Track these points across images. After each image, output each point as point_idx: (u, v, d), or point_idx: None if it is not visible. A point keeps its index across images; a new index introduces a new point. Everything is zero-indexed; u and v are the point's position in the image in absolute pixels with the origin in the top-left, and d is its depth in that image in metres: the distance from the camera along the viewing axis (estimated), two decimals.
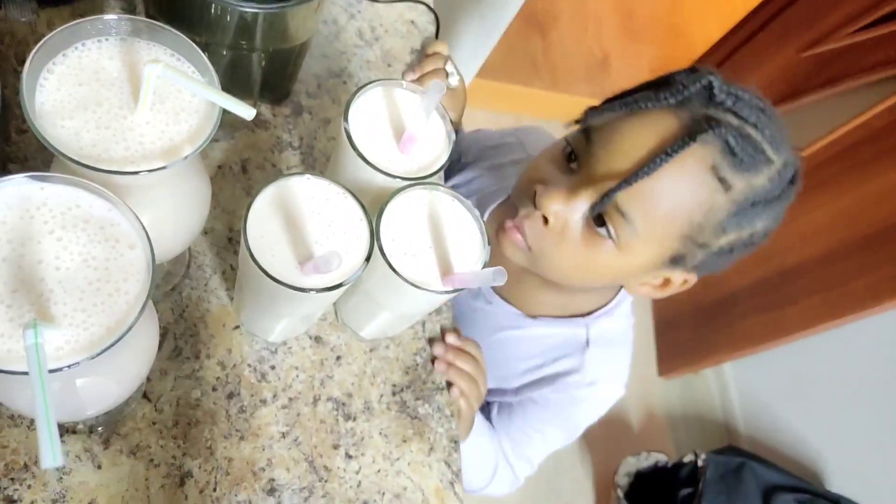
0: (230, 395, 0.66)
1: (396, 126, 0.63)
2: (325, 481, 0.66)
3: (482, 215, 0.63)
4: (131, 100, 0.47)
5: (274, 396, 0.67)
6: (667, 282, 0.74)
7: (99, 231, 0.42)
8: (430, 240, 0.60)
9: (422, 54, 0.97)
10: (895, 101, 1.71)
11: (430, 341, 0.77)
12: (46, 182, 0.41)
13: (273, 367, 0.68)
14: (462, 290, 0.58)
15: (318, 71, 0.87)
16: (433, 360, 0.76)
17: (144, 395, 0.62)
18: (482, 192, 0.95)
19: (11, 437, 0.57)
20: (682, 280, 0.74)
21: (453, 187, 0.65)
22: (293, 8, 0.64)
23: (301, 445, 0.66)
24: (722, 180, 0.63)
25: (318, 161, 0.81)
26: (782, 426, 1.93)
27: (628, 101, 0.68)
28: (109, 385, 0.46)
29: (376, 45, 0.94)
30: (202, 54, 0.48)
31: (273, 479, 0.64)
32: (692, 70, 0.68)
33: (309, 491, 0.65)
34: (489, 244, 0.61)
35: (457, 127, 1.09)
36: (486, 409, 0.98)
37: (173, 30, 0.48)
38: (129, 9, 0.78)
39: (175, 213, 0.53)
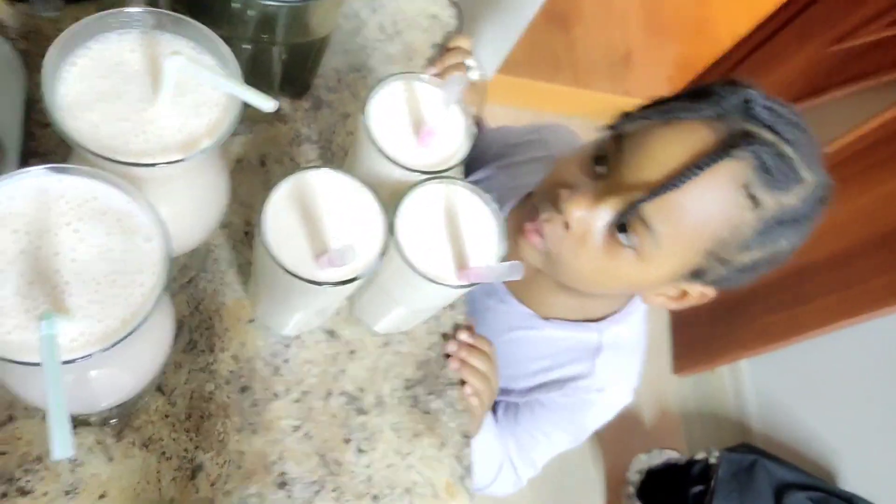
0: (243, 389, 0.66)
1: (416, 119, 0.63)
2: (336, 475, 0.66)
3: (505, 213, 0.63)
4: (151, 92, 0.47)
5: (287, 390, 0.67)
6: (684, 294, 0.73)
7: (116, 223, 0.42)
8: (447, 234, 0.59)
9: (443, 49, 0.96)
10: None
11: (444, 337, 0.77)
12: (64, 174, 0.41)
13: (286, 361, 0.69)
14: (477, 284, 0.58)
15: (338, 65, 0.87)
16: (446, 355, 0.76)
17: (158, 388, 0.63)
18: (502, 188, 0.95)
19: (25, 429, 0.57)
20: (699, 293, 0.73)
21: (473, 183, 0.64)
22: (315, 2, 0.64)
23: (313, 439, 0.67)
24: (752, 198, 0.62)
25: (337, 155, 0.81)
26: (797, 424, 1.91)
27: (664, 109, 0.66)
28: (123, 377, 0.47)
29: (398, 39, 0.94)
30: (224, 47, 0.48)
31: (284, 473, 0.64)
32: (731, 82, 0.66)
33: (320, 485, 0.65)
34: (507, 239, 0.61)
35: (478, 121, 1.08)
36: (492, 408, 0.98)
37: (195, 22, 0.48)
38: (151, 2, 0.78)
39: (193, 206, 0.53)
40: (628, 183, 0.66)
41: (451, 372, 0.76)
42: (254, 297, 0.68)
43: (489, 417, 0.86)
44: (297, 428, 0.66)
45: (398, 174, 0.60)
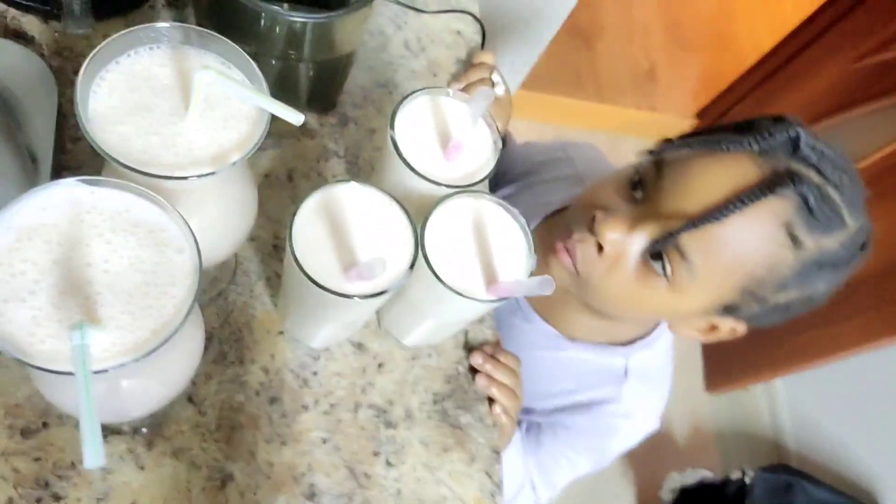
0: (272, 400, 0.66)
1: (442, 134, 0.63)
2: (365, 488, 0.66)
3: (530, 230, 0.62)
4: (181, 106, 0.47)
5: (315, 402, 0.68)
6: (713, 328, 0.72)
7: (148, 235, 0.42)
8: (475, 248, 0.59)
9: (468, 64, 0.97)
10: None
11: (470, 351, 0.77)
12: (97, 186, 0.42)
13: (315, 374, 0.69)
14: (507, 298, 0.58)
15: (364, 82, 0.88)
16: (471, 369, 0.76)
17: (189, 399, 0.63)
18: (527, 205, 0.94)
19: (59, 437, 0.58)
20: (730, 329, 0.72)
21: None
22: (341, 19, 0.64)
23: (341, 452, 0.66)
24: (793, 237, 0.61)
25: (363, 170, 0.82)
26: (835, 444, 1.87)
27: (709, 139, 0.65)
28: (154, 387, 0.47)
29: (422, 55, 0.94)
30: (252, 62, 0.48)
31: (313, 485, 0.64)
32: (778, 118, 0.65)
33: (349, 497, 0.65)
34: (535, 252, 0.61)
35: (504, 136, 1.08)
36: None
37: (223, 38, 0.49)
38: (181, 19, 0.79)
39: (223, 219, 0.53)
40: (666, 210, 0.65)
41: (480, 387, 0.75)
42: (283, 309, 0.68)
43: (516, 435, 0.85)
44: (325, 440, 0.66)
45: (425, 188, 0.60)
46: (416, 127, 0.62)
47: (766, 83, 2.30)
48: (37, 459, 0.57)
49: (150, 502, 0.59)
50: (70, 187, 0.42)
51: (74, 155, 0.69)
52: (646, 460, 1.99)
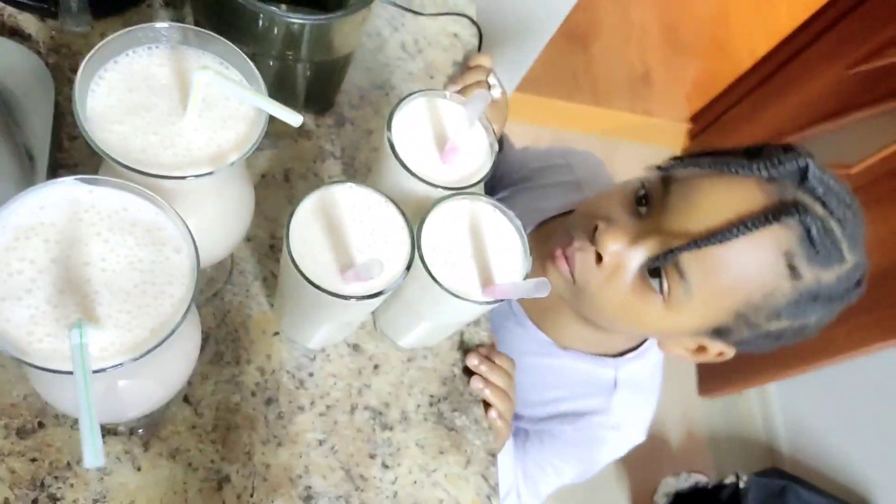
0: (269, 401, 0.66)
1: (439, 136, 0.63)
2: (361, 490, 0.66)
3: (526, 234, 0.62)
4: (180, 106, 0.47)
5: (312, 403, 0.67)
6: (702, 349, 0.73)
7: (145, 234, 0.42)
8: (471, 250, 0.59)
9: (464, 67, 0.97)
10: None
11: (466, 353, 0.77)
12: (95, 185, 0.42)
13: (311, 375, 0.69)
14: (502, 300, 0.58)
15: (361, 83, 0.88)
16: (466, 370, 0.76)
17: (185, 399, 0.63)
18: (522, 209, 0.94)
19: (56, 437, 0.58)
20: (717, 352, 0.72)
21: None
22: (339, 20, 0.64)
23: (338, 453, 0.66)
24: (792, 268, 0.61)
25: (360, 171, 0.82)
26: (828, 449, 1.88)
27: (718, 161, 0.66)
28: (151, 387, 0.47)
29: (419, 57, 0.95)
30: (250, 62, 0.49)
31: (310, 487, 0.64)
32: (788, 147, 0.65)
33: (345, 500, 0.65)
34: (530, 255, 0.61)
35: (500, 139, 1.08)
36: None
37: (221, 38, 0.49)
38: (178, 19, 0.79)
39: (220, 219, 0.53)
40: (669, 228, 0.65)
41: (475, 389, 0.75)
42: (279, 310, 0.68)
43: (510, 444, 0.85)
44: (322, 442, 0.66)
45: (422, 190, 0.60)
46: (413, 129, 0.62)
47: (761, 88, 2.31)
48: (33, 460, 0.57)
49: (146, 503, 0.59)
50: (68, 186, 0.42)
51: (71, 153, 0.68)
52: (640, 464, 1.99)
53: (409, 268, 0.55)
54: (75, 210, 0.41)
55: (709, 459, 2.11)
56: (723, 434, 2.15)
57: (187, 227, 0.42)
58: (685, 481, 1.88)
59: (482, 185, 0.65)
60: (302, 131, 0.81)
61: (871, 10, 1.92)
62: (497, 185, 1.07)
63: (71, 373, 0.35)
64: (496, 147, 0.64)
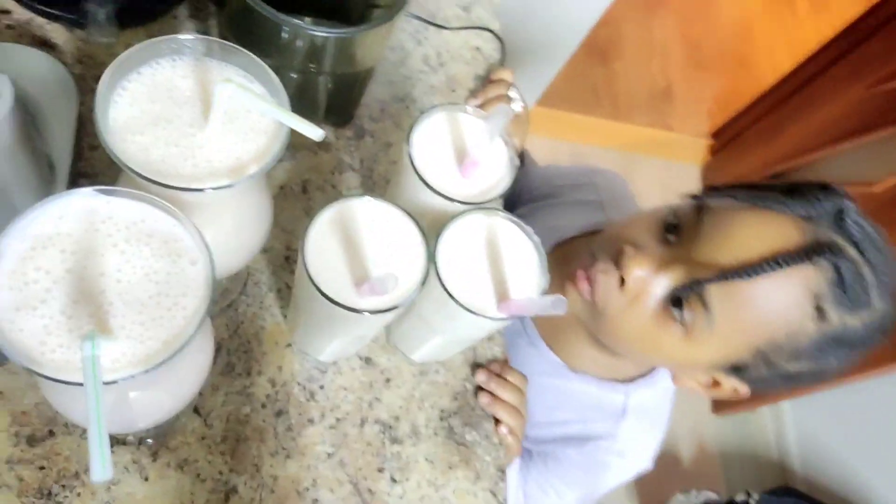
0: (279, 413, 0.66)
1: (459, 150, 0.63)
2: None
3: (546, 250, 0.62)
4: (201, 118, 0.47)
5: (322, 416, 0.67)
6: (716, 384, 0.71)
7: (162, 245, 0.42)
8: (488, 265, 0.59)
9: (486, 80, 0.97)
10: None
11: (476, 367, 0.76)
12: (113, 196, 0.42)
13: (322, 387, 0.68)
14: (517, 317, 0.57)
15: (381, 95, 0.88)
16: (477, 388, 0.75)
17: (195, 410, 0.63)
18: (543, 227, 0.93)
19: (65, 445, 0.58)
20: (732, 388, 0.71)
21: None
22: (363, 34, 0.64)
23: (346, 467, 0.66)
24: (819, 309, 0.60)
25: (378, 184, 0.82)
26: (842, 468, 1.85)
27: (755, 194, 0.65)
28: (162, 399, 0.47)
29: (441, 70, 0.95)
30: (273, 75, 0.49)
31: (317, 500, 0.64)
32: (826, 187, 0.64)
33: None
34: (548, 272, 0.60)
35: (521, 153, 1.08)
36: None
37: (245, 51, 0.49)
38: (203, 30, 0.80)
39: (237, 231, 0.53)
40: (698, 258, 0.64)
41: (483, 405, 0.75)
42: (292, 321, 0.68)
43: (516, 460, 0.85)
44: (331, 455, 0.66)
45: (440, 204, 0.60)
46: (433, 143, 0.62)
47: (783, 105, 2.30)
48: (42, 468, 0.57)
49: None
50: (87, 196, 0.42)
51: (92, 162, 0.69)
52: (650, 480, 1.96)
53: (424, 282, 0.54)
54: (92, 220, 0.42)
55: (719, 476, 2.08)
56: (734, 451, 2.12)
57: (204, 239, 0.42)
58: (695, 498, 1.86)
59: (501, 200, 0.65)
60: (321, 143, 0.81)
61: (894, 30, 1.90)
62: (518, 200, 1.06)
63: (82, 384, 0.35)
64: (516, 162, 0.64)
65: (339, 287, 0.52)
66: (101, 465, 0.32)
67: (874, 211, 0.65)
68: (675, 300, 0.65)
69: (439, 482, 0.69)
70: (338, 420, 0.68)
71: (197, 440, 0.62)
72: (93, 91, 0.44)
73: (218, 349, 0.66)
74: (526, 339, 0.89)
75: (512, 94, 0.92)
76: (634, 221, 0.72)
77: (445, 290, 0.55)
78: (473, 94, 0.94)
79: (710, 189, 0.69)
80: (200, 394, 0.64)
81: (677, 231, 0.68)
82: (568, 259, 0.76)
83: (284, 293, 0.71)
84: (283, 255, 0.73)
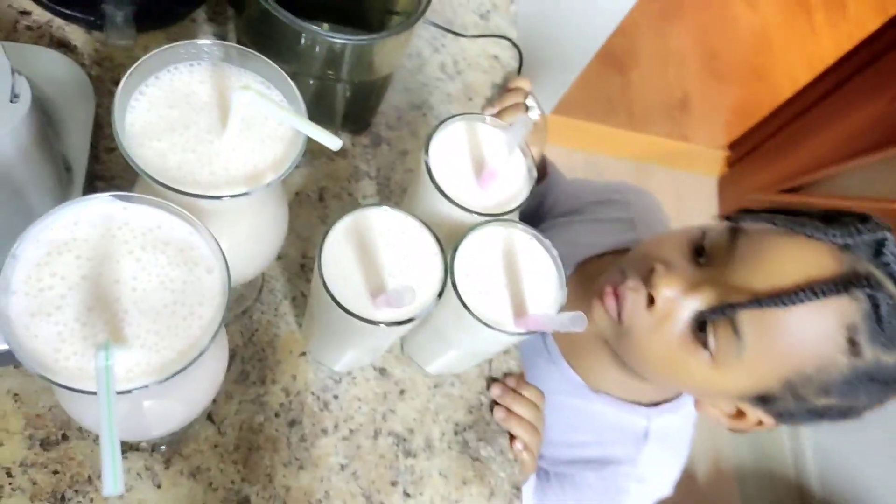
0: (292, 423, 0.65)
1: (477, 161, 0.62)
2: None
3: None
4: (219, 124, 0.47)
5: (335, 427, 0.66)
6: (741, 414, 0.70)
7: (178, 253, 0.41)
8: (505, 278, 0.58)
9: (503, 89, 0.96)
10: None
11: (491, 381, 0.75)
12: (129, 202, 0.42)
13: (336, 397, 0.68)
14: (535, 332, 0.56)
15: (398, 103, 0.87)
16: (493, 403, 0.74)
17: (209, 417, 0.62)
18: (575, 243, 0.92)
19: (78, 450, 0.58)
20: (757, 420, 0.69)
21: (543, 232, 0.61)
22: (382, 41, 0.64)
23: (359, 479, 0.65)
24: (852, 343, 0.58)
25: (395, 192, 0.81)
26: (861, 489, 1.82)
27: (794, 220, 0.63)
28: (176, 408, 0.46)
29: (458, 78, 0.94)
30: (291, 83, 0.48)
31: None
32: (865, 217, 0.63)
33: None
34: (566, 286, 0.59)
35: (543, 163, 1.07)
36: None
37: (263, 57, 0.49)
38: (221, 34, 0.80)
39: (253, 239, 0.53)
40: (730, 281, 0.63)
41: (498, 419, 0.74)
42: (307, 331, 0.67)
43: (532, 476, 0.83)
44: (344, 466, 0.65)
45: (457, 215, 0.59)
46: (451, 153, 0.62)
47: (801, 118, 2.28)
48: (55, 472, 0.56)
49: None
50: (103, 202, 0.41)
51: (108, 165, 0.69)
52: (666, 499, 1.95)
53: (440, 294, 0.54)
54: (108, 227, 0.41)
55: (735, 495, 2.06)
56: (750, 469, 2.09)
57: (220, 247, 0.42)
58: None
59: (518, 212, 0.64)
60: (338, 150, 0.81)
61: None
62: (546, 214, 1.05)
63: (95, 393, 0.35)
64: (534, 173, 0.63)
65: (355, 298, 0.52)
66: (112, 479, 0.31)
67: (893, 229, 0.64)
68: (703, 324, 0.63)
69: (453, 497, 0.68)
70: (351, 431, 0.67)
71: (210, 448, 0.61)
72: (110, 93, 0.43)
73: (232, 356, 0.65)
74: (546, 356, 0.87)
75: (529, 102, 0.91)
76: (666, 240, 0.71)
77: (462, 303, 0.54)
78: (490, 102, 0.94)
79: (745, 211, 0.68)
80: (214, 401, 0.63)
81: (709, 253, 0.66)
82: (595, 277, 0.74)
83: (299, 301, 0.70)
84: (298, 262, 0.72)
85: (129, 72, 0.44)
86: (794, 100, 2.32)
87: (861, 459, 1.85)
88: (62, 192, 0.61)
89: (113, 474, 0.31)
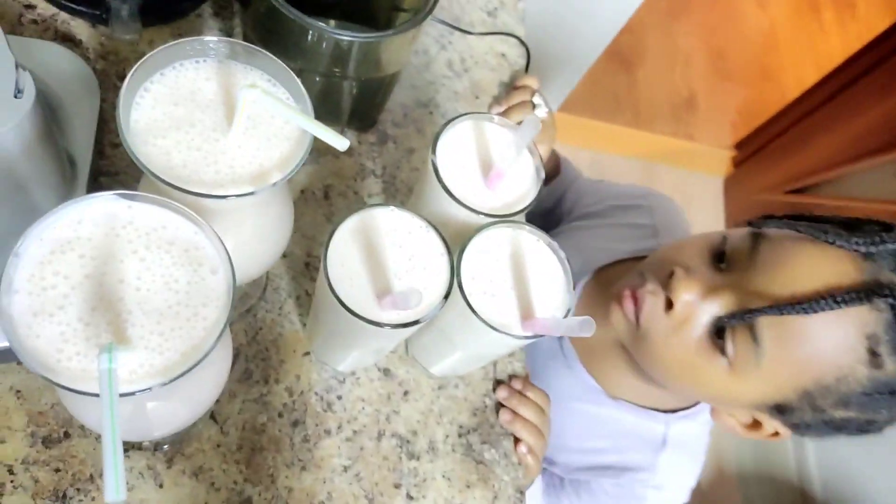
0: (295, 423, 0.65)
1: (484, 161, 0.61)
2: None
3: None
4: (225, 122, 0.46)
5: (339, 428, 0.66)
6: (756, 425, 0.69)
7: (183, 254, 0.41)
8: (512, 281, 0.57)
9: (510, 87, 0.95)
10: None
11: (497, 383, 0.75)
12: (134, 201, 0.41)
13: (340, 398, 0.67)
14: (542, 336, 0.56)
15: (405, 100, 0.87)
16: (498, 405, 0.73)
17: (212, 417, 0.62)
18: (595, 248, 0.91)
19: (80, 448, 0.57)
20: (773, 430, 0.68)
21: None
22: (389, 39, 0.63)
23: (362, 481, 0.65)
24: (873, 353, 0.57)
25: (400, 191, 0.81)
26: (865, 495, 1.81)
27: (816, 228, 0.62)
28: (179, 409, 0.46)
29: (465, 76, 0.93)
30: (298, 81, 0.47)
31: None
32: (889, 226, 0.62)
33: None
34: (573, 289, 0.58)
35: (556, 161, 1.06)
36: None
37: (269, 54, 0.48)
38: (227, 29, 0.79)
39: (258, 238, 0.52)
40: (751, 287, 0.62)
41: (503, 422, 0.73)
42: (311, 330, 0.67)
43: (538, 479, 0.82)
44: (347, 468, 0.65)
45: (464, 216, 0.58)
46: (458, 152, 0.61)
47: (808, 119, 2.26)
48: (57, 470, 0.56)
49: None
50: (107, 201, 0.41)
51: (113, 160, 0.68)
52: None
53: (447, 296, 0.53)
54: (113, 225, 0.40)
55: (737, 500, 2.05)
56: (752, 474, 2.08)
57: (225, 247, 0.41)
58: None
59: (525, 213, 0.63)
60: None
61: None
62: (565, 215, 1.04)
63: (97, 395, 0.34)
64: (542, 174, 0.62)
65: (360, 299, 0.51)
66: (114, 486, 0.31)
67: None
68: (722, 330, 0.63)
69: (456, 501, 0.67)
70: (355, 432, 0.66)
71: (212, 448, 0.61)
72: (115, 88, 0.43)
73: (236, 355, 0.65)
74: (563, 361, 0.86)
75: (536, 100, 0.90)
76: (686, 245, 0.70)
77: (469, 305, 0.53)
78: (497, 100, 0.93)
79: (768, 217, 0.67)
80: (217, 400, 0.62)
81: (729, 258, 0.65)
82: (613, 282, 0.73)
83: (303, 300, 0.70)
84: (303, 261, 0.72)
85: (133, 68, 0.43)
86: (802, 100, 2.31)
87: (864, 465, 1.84)
88: (66, 188, 0.60)
89: (115, 480, 0.31)
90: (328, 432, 0.65)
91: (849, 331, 0.57)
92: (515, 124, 0.62)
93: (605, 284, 0.72)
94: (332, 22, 0.72)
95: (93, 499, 0.56)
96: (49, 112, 0.63)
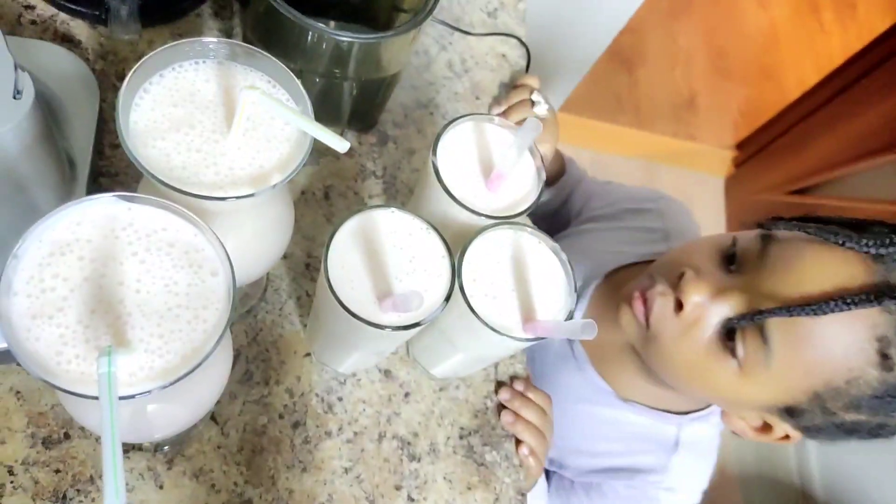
0: (296, 425, 0.64)
1: (485, 162, 0.61)
2: None
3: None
4: (224, 124, 0.46)
5: (339, 429, 0.66)
6: (766, 428, 0.69)
7: (183, 256, 0.41)
8: (514, 283, 0.57)
9: (511, 87, 0.95)
10: None
11: (499, 385, 0.74)
12: (134, 203, 0.41)
13: (340, 399, 0.67)
14: (543, 338, 0.55)
15: (405, 101, 0.86)
16: (499, 406, 0.73)
17: (212, 418, 0.62)
18: (604, 251, 0.91)
19: (80, 449, 0.57)
20: (783, 433, 0.68)
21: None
22: (389, 39, 0.63)
23: (363, 483, 0.65)
24: (884, 356, 0.57)
25: (401, 192, 0.80)
26: (866, 496, 1.81)
27: (826, 229, 0.61)
28: (179, 411, 0.46)
29: (465, 77, 0.93)
30: (298, 83, 0.47)
31: None
32: None
33: None
34: (576, 292, 0.58)
35: (558, 162, 1.05)
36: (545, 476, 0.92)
37: (270, 56, 0.48)
38: (227, 30, 0.79)
39: (258, 239, 0.52)
40: (760, 288, 0.62)
41: (505, 424, 0.73)
42: (312, 331, 0.66)
43: (542, 482, 0.82)
44: (347, 470, 0.64)
45: (465, 217, 0.58)
46: (459, 153, 0.61)
47: (809, 119, 2.26)
48: (57, 471, 0.56)
49: None
50: (107, 202, 0.40)
51: (113, 161, 0.68)
52: None
53: (448, 298, 0.53)
54: (112, 227, 0.40)
55: (738, 501, 2.04)
56: (753, 475, 2.08)
57: (225, 249, 0.41)
58: None
59: (527, 214, 0.63)
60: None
61: None
62: (573, 217, 1.03)
63: (97, 398, 0.34)
64: (544, 176, 0.62)
65: (361, 301, 0.51)
66: (114, 491, 0.31)
67: None
68: (731, 331, 0.62)
69: (457, 503, 0.67)
70: (355, 434, 0.66)
71: (213, 449, 0.61)
72: (115, 88, 0.43)
73: (237, 356, 0.64)
74: (573, 363, 0.86)
75: (535, 97, 0.90)
76: (696, 247, 0.70)
77: (470, 307, 0.53)
78: (497, 100, 0.92)
79: (777, 219, 0.67)
80: (218, 402, 0.62)
81: (739, 260, 0.65)
82: (624, 285, 0.73)
83: (304, 301, 0.70)
84: (303, 262, 0.72)
85: (133, 69, 0.43)
86: (803, 100, 2.30)
87: (866, 467, 1.84)
88: (66, 189, 0.60)
89: (115, 486, 0.31)
90: (329, 434, 0.65)
91: (859, 333, 0.57)
92: (516, 125, 0.61)
93: (616, 288, 0.71)
94: (332, 23, 0.71)
95: (93, 500, 0.56)
96: (48, 113, 0.62)
